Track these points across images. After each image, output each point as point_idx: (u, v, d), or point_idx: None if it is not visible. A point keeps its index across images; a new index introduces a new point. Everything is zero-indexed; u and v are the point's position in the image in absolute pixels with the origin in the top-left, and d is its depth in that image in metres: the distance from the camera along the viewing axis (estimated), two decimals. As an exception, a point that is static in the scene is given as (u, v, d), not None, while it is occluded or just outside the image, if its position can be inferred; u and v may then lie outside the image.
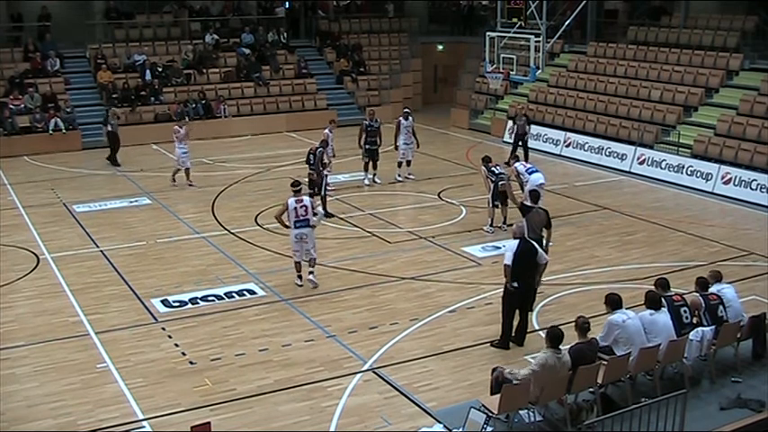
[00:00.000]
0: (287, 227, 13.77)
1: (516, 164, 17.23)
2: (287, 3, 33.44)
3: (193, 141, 26.06)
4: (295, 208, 13.50)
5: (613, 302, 9.56)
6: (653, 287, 10.20)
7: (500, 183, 16.43)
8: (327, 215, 17.72)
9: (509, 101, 28.54)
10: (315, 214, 13.73)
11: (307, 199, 13.73)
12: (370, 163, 20.65)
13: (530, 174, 16.73)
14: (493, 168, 16.76)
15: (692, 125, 23.05)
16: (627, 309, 9.67)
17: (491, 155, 17.96)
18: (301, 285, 13.87)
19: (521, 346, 11.47)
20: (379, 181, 20.86)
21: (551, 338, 8.73)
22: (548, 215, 13.10)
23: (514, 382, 8.52)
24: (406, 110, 21.87)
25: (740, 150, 20.82)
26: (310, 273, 13.89)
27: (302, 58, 31.11)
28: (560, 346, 8.74)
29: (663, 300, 9.82)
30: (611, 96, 25.47)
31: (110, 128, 23.29)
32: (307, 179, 18.05)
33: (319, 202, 17.78)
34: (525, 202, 13.73)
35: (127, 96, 26.99)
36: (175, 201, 19.44)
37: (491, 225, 16.86)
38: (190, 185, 20.71)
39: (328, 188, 18.09)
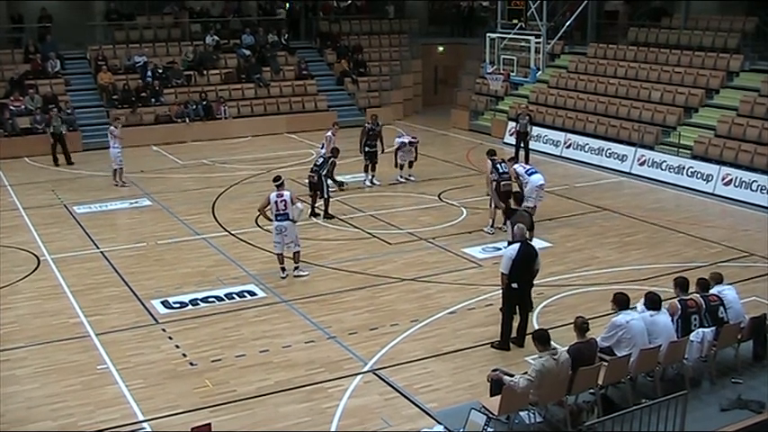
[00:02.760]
0: (270, 220, 14.33)
1: (515, 165, 17.26)
2: (287, 4, 33.42)
3: (194, 143, 26.30)
4: (275, 202, 14.04)
5: (621, 302, 9.56)
6: (673, 286, 10.18)
7: (503, 183, 16.38)
8: (328, 216, 17.78)
9: (509, 102, 28.55)
10: (294, 204, 14.20)
11: (287, 194, 14.18)
12: (370, 164, 20.73)
13: (529, 175, 16.77)
14: (497, 165, 16.68)
15: (692, 126, 23.05)
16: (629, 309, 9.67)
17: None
18: (284, 277, 14.27)
19: (521, 347, 11.46)
20: (377, 183, 20.89)
21: (540, 341, 8.77)
22: (531, 217, 13.13)
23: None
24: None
25: (740, 151, 20.81)
26: (295, 268, 14.41)
27: (302, 60, 31.12)
28: (556, 346, 8.74)
29: (678, 304, 9.81)
30: (612, 97, 25.47)
31: (52, 129, 23.22)
32: (307, 180, 18.17)
33: (320, 203, 17.90)
34: (511, 204, 13.81)
35: (127, 98, 27.00)
36: (176, 202, 19.43)
37: (492, 226, 16.85)
38: (122, 185, 20.83)
39: (330, 189, 18.11)
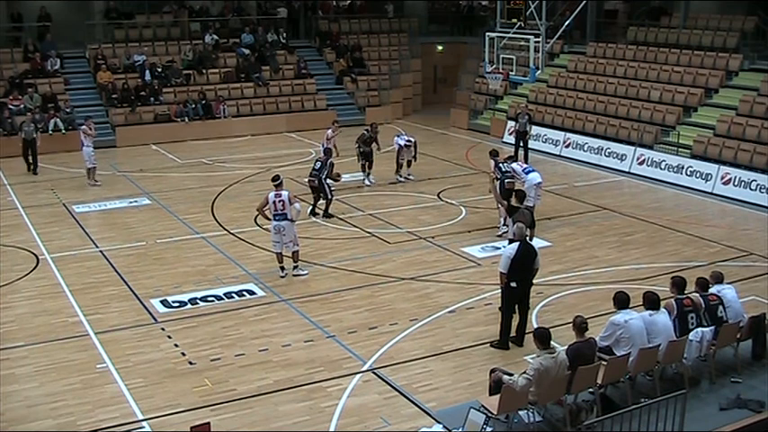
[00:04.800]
0: (269, 219, 14.39)
1: (513, 164, 17.28)
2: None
3: (194, 142, 26.30)
4: (274, 202, 14.09)
5: (620, 301, 9.56)
6: (670, 286, 10.19)
7: (506, 180, 16.38)
8: (327, 215, 17.79)
9: (508, 101, 28.56)
10: (292, 204, 14.20)
11: (285, 194, 14.22)
12: (366, 164, 20.85)
13: (526, 173, 16.78)
14: (500, 165, 16.70)
15: (691, 125, 23.05)
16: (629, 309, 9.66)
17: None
18: (283, 276, 14.30)
19: (520, 347, 11.47)
20: (373, 181, 20.94)
21: (540, 339, 8.78)
22: (532, 215, 13.13)
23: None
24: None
25: (739, 151, 20.83)
26: (294, 267, 14.42)
27: (302, 59, 31.11)
28: (555, 346, 8.75)
29: (674, 303, 9.82)
30: (611, 97, 25.48)
31: (23, 134, 22.74)
32: (307, 182, 18.17)
33: (322, 202, 17.91)
34: (512, 202, 13.81)
35: (126, 97, 26.98)
36: (175, 201, 19.43)
37: (504, 224, 16.72)
38: (94, 184, 20.79)
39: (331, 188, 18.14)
